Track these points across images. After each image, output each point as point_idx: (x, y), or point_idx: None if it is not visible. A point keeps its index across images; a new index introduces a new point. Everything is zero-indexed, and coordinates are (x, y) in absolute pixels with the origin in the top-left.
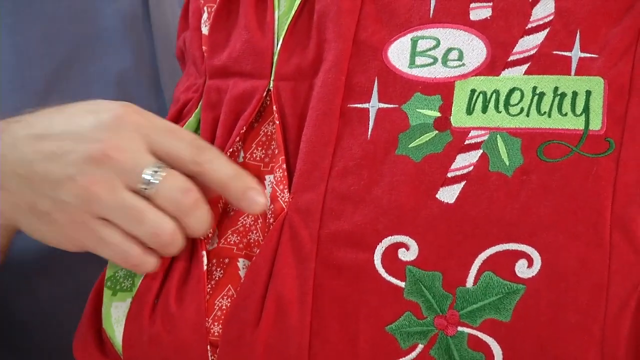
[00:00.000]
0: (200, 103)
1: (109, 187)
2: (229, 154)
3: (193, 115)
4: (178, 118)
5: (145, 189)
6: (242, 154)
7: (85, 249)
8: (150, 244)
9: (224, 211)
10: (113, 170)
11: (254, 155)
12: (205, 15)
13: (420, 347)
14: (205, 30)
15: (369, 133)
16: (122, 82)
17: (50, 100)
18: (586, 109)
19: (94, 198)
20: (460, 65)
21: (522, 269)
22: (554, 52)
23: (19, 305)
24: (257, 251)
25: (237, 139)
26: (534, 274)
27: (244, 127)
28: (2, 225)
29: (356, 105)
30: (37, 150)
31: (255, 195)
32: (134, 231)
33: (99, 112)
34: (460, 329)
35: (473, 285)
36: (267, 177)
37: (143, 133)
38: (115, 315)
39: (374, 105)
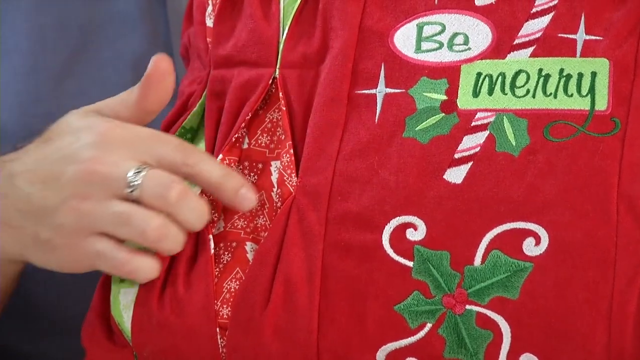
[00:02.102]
0: (204, 93)
1: (97, 200)
2: (234, 139)
3: (197, 105)
4: (183, 110)
5: (131, 192)
6: (246, 140)
7: (90, 268)
8: (142, 243)
9: None
10: (100, 183)
11: (259, 142)
12: (209, 8)
13: (428, 326)
14: (209, 22)
15: (377, 117)
16: (137, 66)
17: (65, 84)
18: (592, 90)
19: (85, 214)
20: (466, 50)
21: (530, 247)
22: (559, 35)
23: (36, 284)
24: (265, 235)
25: (242, 125)
26: (541, 252)
27: (249, 114)
28: (11, 261)
29: (363, 91)
30: (33, 182)
31: (247, 193)
32: (123, 235)
33: (84, 132)
34: (468, 307)
35: (481, 264)
36: (272, 162)
37: (128, 145)
38: (124, 302)
39: (381, 90)
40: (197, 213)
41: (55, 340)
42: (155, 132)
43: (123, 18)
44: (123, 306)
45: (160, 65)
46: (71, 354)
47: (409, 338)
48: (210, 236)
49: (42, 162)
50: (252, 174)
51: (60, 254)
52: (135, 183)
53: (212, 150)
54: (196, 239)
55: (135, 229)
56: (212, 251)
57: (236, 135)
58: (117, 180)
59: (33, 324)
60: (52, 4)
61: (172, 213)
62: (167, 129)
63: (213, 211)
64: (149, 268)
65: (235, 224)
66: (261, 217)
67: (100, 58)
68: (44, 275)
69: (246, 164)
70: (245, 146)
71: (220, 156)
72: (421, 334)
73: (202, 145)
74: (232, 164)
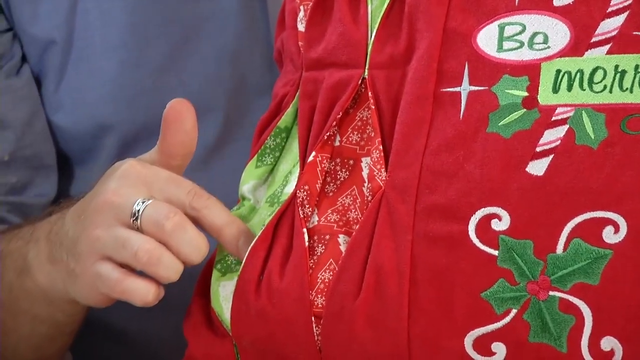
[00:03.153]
0: (297, 94)
1: (106, 226)
2: (325, 137)
3: (291, 105)
4: (277, 111)
5: (135, 220)
6: (338, 138)
7: (100, 293)
8: (136, 265)
9: (322, 191)
10: (110, 212)
11: (350, 139)
12: (301, 13)
13: (514, 311)
14: (301, 27)
15: (461, 114)
16: (236, 61)
17: (166, 78)
18: None
19: (95, 240)
20: (545, 48)
21: (609, 235)
22: (634, 33)
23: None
24: (356, 227)
25: (334, 124)
26: (620, 240)
27: (340, 113)
28: (64, 294)
29: (448, 89)
30: (73, 217)
31: (245, 242)
32: (121, 257)
33: (116, 170)
34: (551, 293)
35: (563, 252)
36: (363, 159)
37: (145, 181)
38: (224, 294)
39: (465, 88)
40: (192, 245)
41: (158, 317)
42: (174, 175)
43: (224, 14)
44: (223, 298)
45: (176, 106)
46: (171, 334)
47: (495, 324)
48: (304, 229)
49: (83, 202)
50: (343, 170)
51: (80, 282)
52: (138, 211)
53: (305, 148)
54: (290, 234)
55: (129, 252)
56: (307, 244)
57: (328, 134)
58: (124, 209)
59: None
60: (156, 1)
61: (167, 242)
62: (262, 129)
63: (307, 205)
64: (143, 290)
65: (328, 218)
66: (353, 211)
67: (200, 52)
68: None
69: (338, 160)
70: (337, 144)
71: (314, 153)
72: (507, 319)
73: (295, 144)
74: (325, 161)
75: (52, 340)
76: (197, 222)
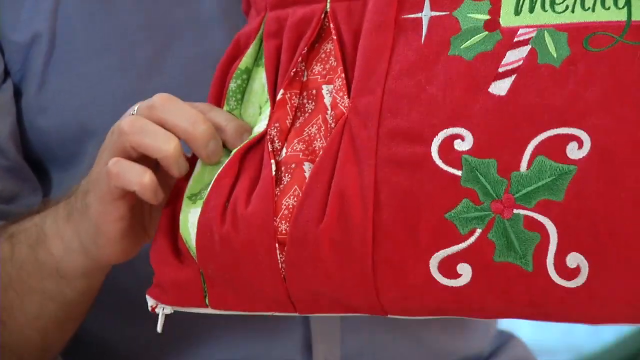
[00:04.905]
0: (257, 35)
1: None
2: (292, 73)
3: (251, 46)
4: (236, 54)
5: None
6: (305, 73)
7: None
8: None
9: (292, 126)
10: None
11: (314, 71)
12: None
13: (478, 231)
14: None
15: (423, 39)
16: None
17: (152, 82)
18: (628, 2)
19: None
20: None
21: (573, 151)
22: None
23: (121, 278)
24: (321, 154)
25: (300, 59)
26: (584, 155)
27: (305, 48)
28: (80, 262)
29: (409, 15)
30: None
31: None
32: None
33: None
34: (515, 211)
35: (527, 170)
36: (324, 86)
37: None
38: (192, 220)
39: (426, 14)
40: (185, 115)
41: (138, 324)
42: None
43: (206, 18)
44: (191, 224)
45: None
46: (152, 340)
47: (460, 244)
48: (273, 161)
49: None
50: (310, 102)
51: (93, 208)
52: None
53: (274, 86)
54: (259, 165)
55: (123, 137)
56: (274, 173)
57: (295, 69)
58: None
59: (126, 309)
60: (140, 5)
61: (161, 116)
62: (223, 72)
63: (277, 141)
64: (138, 170)
65: (295, 148)
66: (318, 139)
67: (183, 56)
68: (136, 263)
69: (305, 94)
70: (305, 79)
71: (282, 91)
72: (472, 239)
73: (258, 82)
74: (294, 97)
75: (59, 325)
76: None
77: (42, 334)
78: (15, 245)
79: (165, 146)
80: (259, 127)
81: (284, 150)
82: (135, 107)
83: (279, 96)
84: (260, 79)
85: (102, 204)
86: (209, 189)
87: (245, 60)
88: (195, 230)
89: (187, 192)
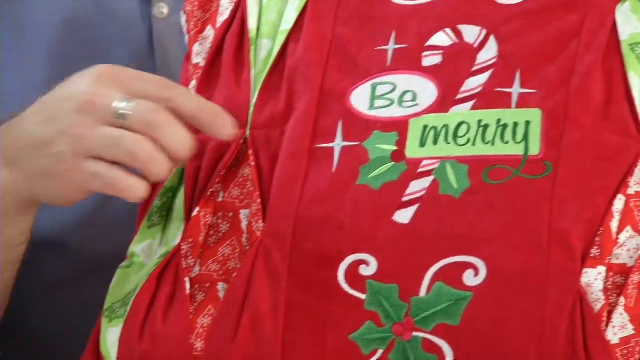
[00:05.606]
0: None
1: (89, 126)
2: (209, 193)
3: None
4: None
5: (121, 118)
6: (221, 194)
7: (86, 190)
8: (133, 164)
9: (204, 243)
10: (91, 112)
11: (232, 194)
12: (193, 83)
13: (380, 352)
14: None
15: (334, 168)
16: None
17: None
18: (526, 137)
19: (79, 139)
20: (414, 105)
21: (469, 278)
22: (497, 90)
23: (34, 312)
24: (235, 275)
25: (217, 180)
26: (479, 282)
27: (223, 171)
28: (24, 200)
29: (323, 145)
30: (37, 121)
31: (224, 119)
32: (115, 156)
33: (84, 75)
34: (415, 334)
35: (426, 295)
36: (241, 211)
37: (116, 81)
38: (111, 340)
39: (338, 144)
40: (182, 140)
41: (76, 316)
42: (143, 72)
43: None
44: (110, 343)
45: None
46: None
47: None
48: (187, 278)
49: (45, 104)
50: (224, 223)
51: (60, 181)
52: (125, 111)
53: (190, 204)
54: (174, 281)
55: (126, 150)
56: (188, 291)
57: (212, 190)
58: (106, 108)
59: (29, 347)
60: (50, 56)
61: (159, 138)
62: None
63: (190, 257)
64: (140, 186)
65: (209, 268)
66: (233, 260)
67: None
68: (42, 308)
69: (220, 214)
70: (220, 199)
71: (198, 209)
72: (374, 359)
73: (179, 200)
74: (208, 216)
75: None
76: (172, 112)
77: None
78: None
79: (164, 174)
80: (174, 242)
81: (197, 267)
82: (129, 107)
83: (194, 213)
84: (182, 197)
85: (69, 192)
86: (128, 307)
87: (170, 179)
88: (116, 349)
89: (104, 311)
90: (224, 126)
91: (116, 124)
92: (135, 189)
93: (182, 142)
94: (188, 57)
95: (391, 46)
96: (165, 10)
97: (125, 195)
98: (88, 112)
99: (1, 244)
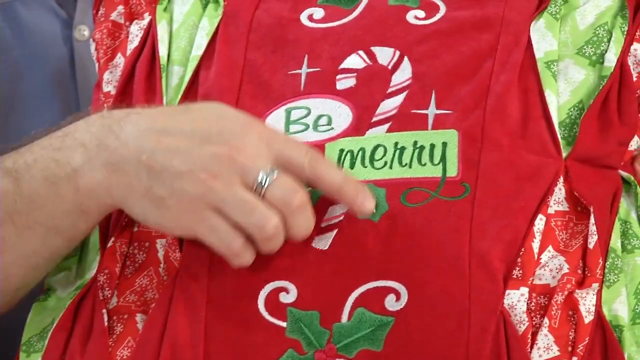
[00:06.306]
0: None
1: (227, 182)
2: (124, 223)
3: None
4: None
5: (259, 187)
6: (136, 224)
7: (192, 234)
8: (255, 234)
9: (121, 274)
10: (233, 169)
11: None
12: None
13: None
14: None
15: None
16: None
17: None
18: (443, 158)
19: (211, 190)
20: (329, 129)
21: (391, 303)
22: (412, 111)
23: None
24: (153, 306)
25: None
26: (401, 307)
27: None
28: (107, 204)
29: None
30: (160, 142)
31: (365, 194)
32: (242, 222)
33: (226, 119)
34: None
35: (348, 321)
36: (158, 241)
37: (266, 141)
38: None
39: None
40: (307, 225)
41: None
42: (290, 137)
43: (38, 93)
44: None
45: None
46: None
47: None
48: (104, 310)
49: (174, 129)
50: (141, 253)
51: (170, 214)
52: (266, 180)
53: (105, 235)
54: (92, 314)
55: (255, 221)
56: (106, 323)
57: (127, 219)
58: (249, 172)
59: None
60: None
61: (288, 218)
62: None
63: (107, 288)
64: (248, 258)
65: (127, 299)
66: (150, 291)
67: (19, 128)
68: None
69: (136, 244)
70: (136, 229)
71: (113, 239)
72: None
73: (96, 233)
74: (124, 245)
75: (52, 261)
76: (313, 182)
77: (26, 272)
78: (23, 178)
79: (274, 251)
80: (90, 274)
81: (115, 298)
82: (272, 179)
83: (109, 243)
84: (96, 227)
85: (178, 227)
86: (46, 341)
87: None
88: None
89: (22, 345)
90: (364, 202)
91: (251, 188)
92: (244, 259)
93: (307, 226)
94: (99, 85)
95: (304, 70)
96: (86, 33)
97: (233, 259)
98: (232, 167)
99: (65, 237)
